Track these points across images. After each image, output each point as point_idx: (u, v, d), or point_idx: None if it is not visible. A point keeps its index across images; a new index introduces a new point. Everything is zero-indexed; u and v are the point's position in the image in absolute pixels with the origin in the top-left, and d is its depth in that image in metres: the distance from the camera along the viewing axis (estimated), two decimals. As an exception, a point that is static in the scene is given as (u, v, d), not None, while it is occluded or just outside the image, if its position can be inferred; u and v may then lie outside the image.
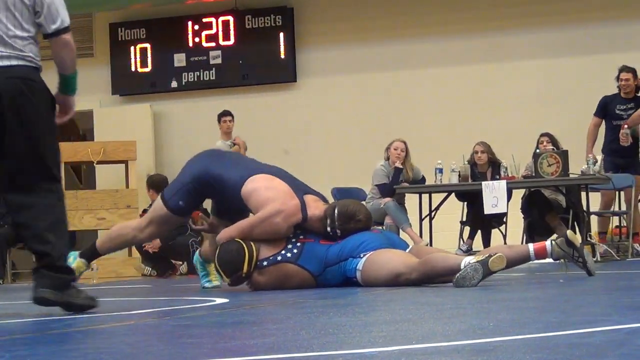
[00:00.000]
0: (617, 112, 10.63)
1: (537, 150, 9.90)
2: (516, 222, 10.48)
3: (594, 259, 7.99)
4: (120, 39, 13.75)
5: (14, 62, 4.74)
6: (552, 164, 9.44)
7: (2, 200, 4.91)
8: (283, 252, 6.44)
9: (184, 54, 13.55)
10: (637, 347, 2.77)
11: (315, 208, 6.53)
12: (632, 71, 10.67)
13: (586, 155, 10.17)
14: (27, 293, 4.86)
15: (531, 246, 6.36)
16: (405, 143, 10.55)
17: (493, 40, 12.69)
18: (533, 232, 10.05)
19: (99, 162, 12.22)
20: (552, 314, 4.03)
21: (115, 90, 13.84)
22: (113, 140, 12.30)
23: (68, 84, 4.95)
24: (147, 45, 13.66)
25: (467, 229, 10.58)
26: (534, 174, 9.63)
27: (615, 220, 10.78)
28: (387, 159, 10.55)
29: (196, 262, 7.35)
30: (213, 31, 13.45)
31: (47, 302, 4.74)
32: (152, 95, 13.74)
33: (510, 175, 9.88)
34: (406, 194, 10.53)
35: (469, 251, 9.81)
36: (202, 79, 13.53)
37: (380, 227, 9.79)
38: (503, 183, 9.54)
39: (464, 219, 10.69)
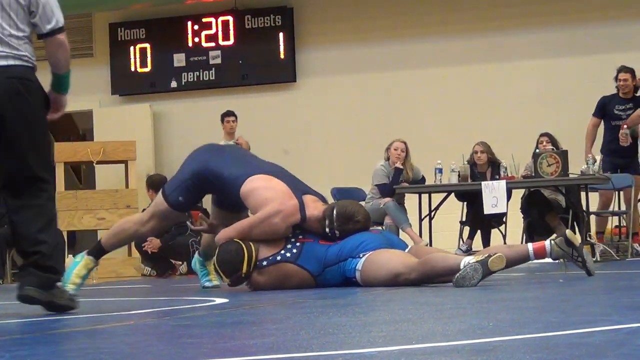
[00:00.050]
0: (616, 112, 10.63)
1: (537, 150, 9.91)
2: (516, 222, 10.49)
3: (594, 259, 7.99)
4: (120, 39, 13.75)
5: (11, 62, 4.77)
6: (551, 164, 9.44)
7: (2, 200, 4.93)
8: (282, 252, 6.44)
9: (183, 54, 13.55)
10: (637, 347, 2.77)
11: (314, 208, 6.53)
12: (631, 71, 10.67)
13: (585, 155, 10.18)
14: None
15: (530, 246, 6.36)
16: (405, 143, 10.56)
17: (493, 40, 12.69)
18: (533, 232, 10.06)
19: (99, 162, 12.22)
20: (552, 314, 4.03)
21: (114, 90, 13.84)
22: (113, 140, 12.30)
23: (61, 83, 5.00)
24: (147, 45, 13.66)
25: (466, 229, 10.58)
26: (533, 174, 9.63)
27: (614, 220, 10.79)
28: (387, 159, 10.55)
29: (194, 265, 7.35)
30: (213, 31, 13.45)
31: (32, 300, 4.77)
32: (152, 95, 13.74)
33: (510, 175, 9.88)
34: (406, 194, 10.53)
35: (468, 251, 9.80)
36: (201, 79, 13.54)
37: (380, 227, 9.80)
38: (503, 183, 9.54)
39: (464, 219, 10.69)
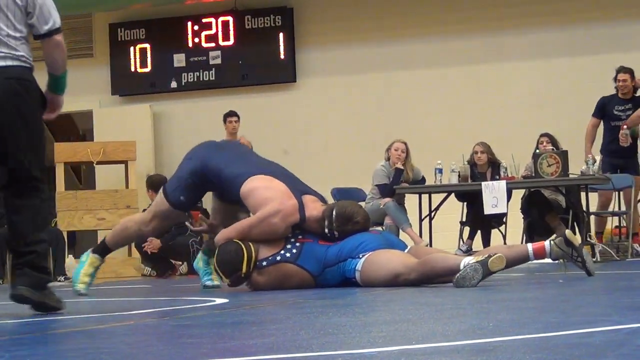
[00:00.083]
0: (615, 112, 10.63)
1: (537, 151, 9.91)
2: (516, 222, 10.49)
3: (593, 259, 7.99)
4: (119, 39, 13.75)
5: (9, 63, 4.79)
6: (551, 164, 9.44)
7: (1, 201, 4.95)
8: (282, 252, 6.45)
9: (183, 54, 13.55)
10: (636, 347, 2.77)
11: (314, 209, 6.53)
12: (630, 72, 10.66)
13: (585, 155, 10.18)
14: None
15: (530, 246, 6.36)
16: (405, 144, 10.56)
17: (493, 41, 12.69)
18: (533, 232, 10.06)
19: (99, 163, 12.21)
20: (552, 314, 4.03)
21: (115, 90, 13.84)
22: (113, 141, 12.29)
23: (58, 84, 5.03)
24: (147, 46, 13.66)
25: (466, 229, 10.58)
26: (533, 174, 9.63)
27: (614, 221, 10.79)
28: (388, 159, 10.55)
29: (197, 263, 7.34)
30: (213, 31, 13.45)
31: (25, 299, 4.80)
32: (152, 96, 13.73)
33: (510, 175, 9.88)
34: (406, 194, 10.53)
35: (468, 251, 9.80)
36: (201, 79, 13.53)
37: (380, 228, 9.80)
38: (503, 183, 9.54)
39: (464, 219, 10.69)
